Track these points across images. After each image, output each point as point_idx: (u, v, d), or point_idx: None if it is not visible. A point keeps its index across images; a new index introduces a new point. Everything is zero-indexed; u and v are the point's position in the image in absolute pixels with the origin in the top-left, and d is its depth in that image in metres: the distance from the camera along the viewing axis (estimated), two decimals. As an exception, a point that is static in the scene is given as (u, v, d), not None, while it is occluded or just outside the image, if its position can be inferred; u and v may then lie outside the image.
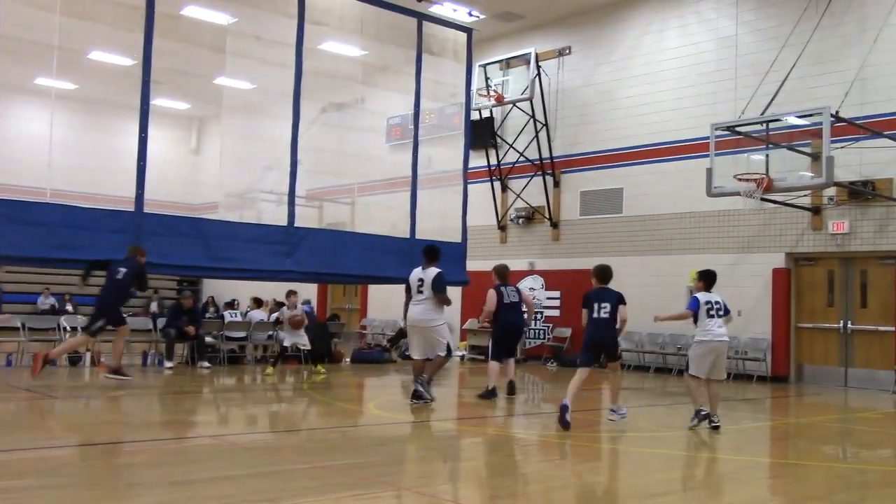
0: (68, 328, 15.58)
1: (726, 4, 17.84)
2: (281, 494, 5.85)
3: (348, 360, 18.12)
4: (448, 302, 10.88)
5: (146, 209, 13.59)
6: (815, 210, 16.02)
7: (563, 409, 9.12)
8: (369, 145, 21.39)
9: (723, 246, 17.24)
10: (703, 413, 9.56)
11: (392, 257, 15.91)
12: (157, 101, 18.25)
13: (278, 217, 15.52)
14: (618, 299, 9.71)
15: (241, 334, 16.97)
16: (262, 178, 18.58)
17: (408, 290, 10.93)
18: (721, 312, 9.57)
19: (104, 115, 24.33)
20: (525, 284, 20.93)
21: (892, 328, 15.12)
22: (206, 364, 15.43)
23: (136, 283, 12.48)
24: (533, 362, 19.78)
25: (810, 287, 16.51)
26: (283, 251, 15.00)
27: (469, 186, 18.38)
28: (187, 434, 8.80)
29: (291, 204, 15.31)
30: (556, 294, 20.24)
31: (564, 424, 9.02)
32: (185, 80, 20.89)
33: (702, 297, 9.65)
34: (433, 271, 10.72)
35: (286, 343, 15.24)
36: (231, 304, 22.84)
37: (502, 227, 21.80)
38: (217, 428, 9.36)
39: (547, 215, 20.72)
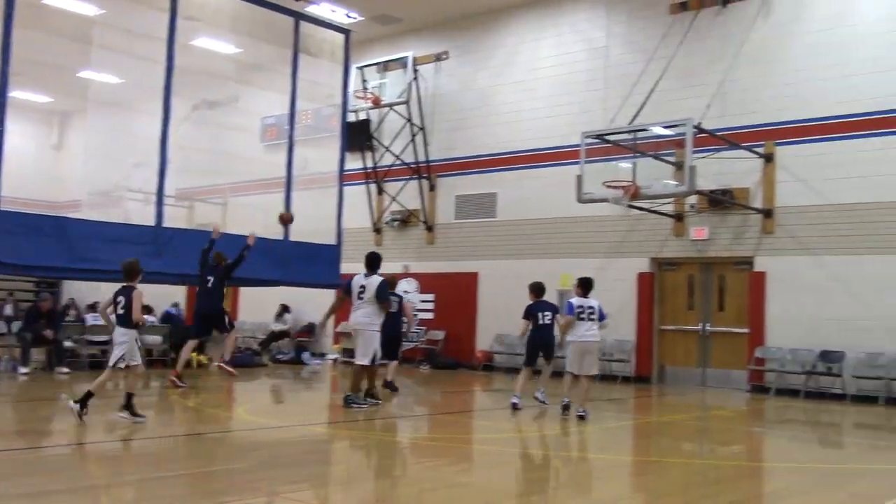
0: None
1: (598, 16, 18.41)
2: (144, 504, 5.67)
3: (217, 364, 17.67)
4: (388, 309, 11.47)
5: (2, 206, 12.89)
6: (678, 217, 16.72)
7: (514, 405, 11.06)
8: (243, 145, 20.99)
9: (591, 251, 17.76)
10: (564, 402, 10.85)
11: (265, 259, 15.61)
12: (15, 94, 17.30)
13: (146, 217, 15.00)
14: (555, 310, 11.57)
15: (104, 338, 16.32)
16: (129, 175, 17.90)
17: (346, 294, 11.35)
18: (594, 316, 10.66)
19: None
20: (399, 287, 20.94)
21: (746, 330, 15.94)
22: (65, 370, 14.75)
23: None
24: (406, 365, 19.83)
25: (672, 291, 17.21)
26: (150, 252, 14.46)
27: (345, 188, 18.26)
28: (43, 443, 8.39)
29: (160, 203, 14.82)
30: (431, 297, 20.37)
31: (515, 408, 11.01)
32: (46, 72, 19.92)
33: (576, 301, 10.76)
34: (376, 279, 11.05)
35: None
36: (93, 307, 21.92)
37: (377, 230, 21.78)
38: (76, 436, 8.95)
39: (422, 218, 20.84)
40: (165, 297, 20.17)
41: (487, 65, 20.19)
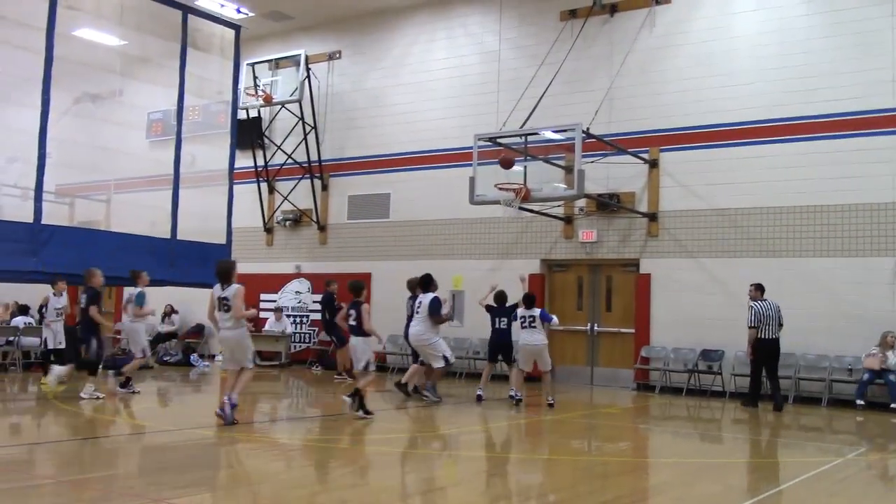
0: None
1: (490, 20, 18.63)
2: (19, 513, 5.41)
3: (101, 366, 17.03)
4: (441, 322, 12.93)
5: None
6: (567, 220, 17.08)
7: (478, 397, 12.92)
8: (128, 140, 20.25)
9: (484, 252, 17.96)
10: (517, 397, 12.76)
11: (151, 258, 15.14)
12: None
13: (23, 213, 14.30)
14: (511, 315, 12.87)
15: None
16: (4, 170, 17.06)
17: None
18: (534, 324, 12.55)
19: None
20: (291, 287, 20.77)
21: (632, 330, 16.42)
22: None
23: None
24: (298, 366, 19.60)
25: (562, 292, 17.57)
26: (27, 250, 13.82)
27: (235, 187, 17.90)
28: None
29: (38, 200, 14.15)
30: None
31: (479, 400, 12.83)
32: None
33: (520, 312, 12.72)
34: (429, 296, 12.75)
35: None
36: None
37: (268, 230, 21.45)
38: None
39: (314, 218, 20.63)
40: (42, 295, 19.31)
41: (381, 65, 20.16)
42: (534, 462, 8.70)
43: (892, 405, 13.23)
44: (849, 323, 14.21)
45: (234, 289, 9.56)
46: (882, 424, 12.26)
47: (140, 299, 12.97)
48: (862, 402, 13.57)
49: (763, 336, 13.25)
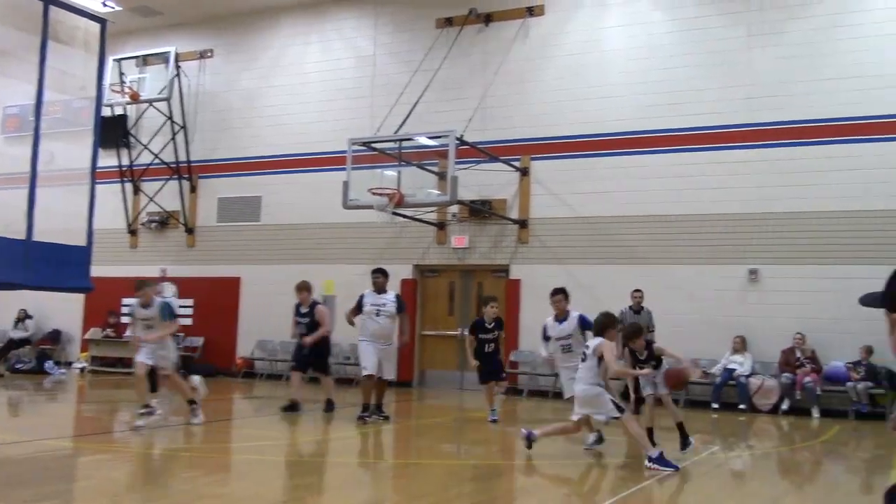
0: None
1: (365, 25, 18.60)
2: None
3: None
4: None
5: None
6: (440, 225, 17.22)
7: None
8: (-20, 135, 19.19)
9: (357, 257, 17.86)
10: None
11: (1, 260, 14.33)
12: None
13: None
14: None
15: None
16: None
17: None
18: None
19: None
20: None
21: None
22: None
23: None
24: (163, 373, 18.94)
25: (434, 297, 17.68)
26: None
27: (98, 187, 17.08)
28: None
29: None
30: (190, 302, 19.62)
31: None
32: None
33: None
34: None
35: None
36: None
37: (133, 232, 20.70)
38: None
39: (182, 221, 20.04)
40: None
41: (254, 65, 19.80)
42: (404, 467, 8.70)
43: (741, 405, 14.06)
44: (708, 327, 14.90)
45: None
46: (732, 423, 12.92)
47: (166, 312, 10.74)
48: (717, 405, 14.28)
49: None
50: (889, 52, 14.33)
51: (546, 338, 9.88)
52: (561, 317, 9.77)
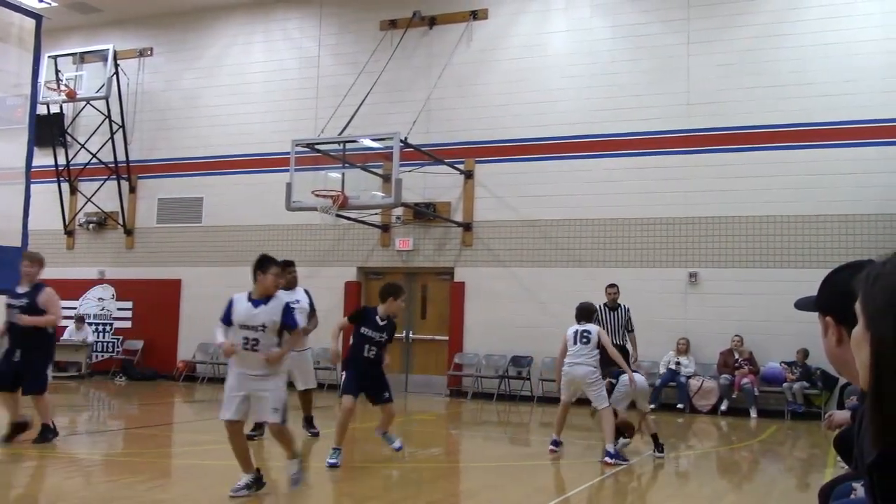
0: None
1: (310, 26, 18.48)
2: None
3: None
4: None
5: None
6: (384, 228, 17.18)
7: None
8: None
9: (300, 259, 17.51)
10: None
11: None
12: None
13: None
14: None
15: None
16: None
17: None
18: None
19: None
20: (94, 294, 19.68)
21: (446, 337, 16.72)
22: None
23: None
24: (100, 377, 18.57)
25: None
26: None
27: (32, 186, 16.72)
28: None
29: None
30: (129, 304, 19.27)
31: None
32: None
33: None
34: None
35: None
36: None
37: (69, 233, 20.23)
38: None
39: (121, 222, 19.66)
40: None
41: (196, 65, 19.53)
42: (347, 470, 8.65)
43: (679, 405, 14.32)
44: (650, 330, 15.09)
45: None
46: (671, 424, 13.13)
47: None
48: (654, 406, 14.48)
49: None
50: (825, 60, 14.71)
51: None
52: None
